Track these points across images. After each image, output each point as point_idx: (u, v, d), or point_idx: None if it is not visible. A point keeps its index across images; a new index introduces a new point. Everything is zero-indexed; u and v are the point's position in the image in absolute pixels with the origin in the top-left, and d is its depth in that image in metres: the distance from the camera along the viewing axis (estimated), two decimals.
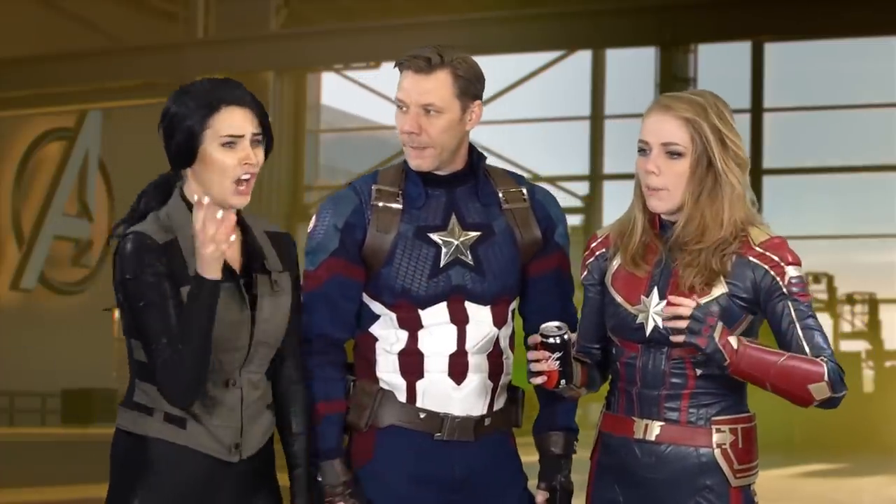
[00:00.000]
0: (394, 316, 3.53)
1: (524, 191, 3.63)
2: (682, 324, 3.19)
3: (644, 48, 23.01)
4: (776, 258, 3.30)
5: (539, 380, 3.32)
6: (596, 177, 25.68)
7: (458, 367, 3.52)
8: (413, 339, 3.52)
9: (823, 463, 18.63)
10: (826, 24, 20.39)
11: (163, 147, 3.34)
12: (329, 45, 22.81)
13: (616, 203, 24.82)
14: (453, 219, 3.55)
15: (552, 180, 24.94)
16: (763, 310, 3.32)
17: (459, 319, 3.52)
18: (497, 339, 3.56)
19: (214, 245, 3.12)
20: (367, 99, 30.47)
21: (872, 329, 27.64)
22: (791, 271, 3.30)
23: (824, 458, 19.17)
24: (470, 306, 3.52)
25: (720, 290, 3.31)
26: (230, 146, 3.27)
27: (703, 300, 3.29)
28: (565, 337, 3.30)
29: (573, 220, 25.47)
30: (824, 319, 26.26)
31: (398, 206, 3.53)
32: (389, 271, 3.51)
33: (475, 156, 3.59)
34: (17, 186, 27.76)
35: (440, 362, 3.52)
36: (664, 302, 3.29)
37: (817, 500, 13.81)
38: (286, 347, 3.41)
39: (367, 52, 22.75)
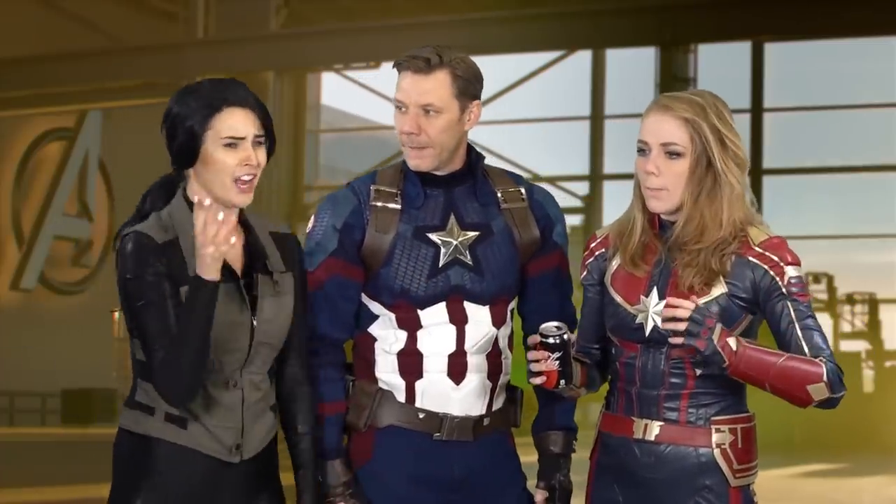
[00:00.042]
0: (393, 316, 3.53)
1: (522, 190, 3.63)
2: (681, 326, 3.19)
3: (644, 48, 23.00)
4: (775, 258, 3.31)
5: (538, 380, 3.32)
6: (596, 177, 25.67)
7: (457, 367, 3.52)
8: (412, 339, 3.52)
9: (823, 463, 18.62)
10: (826, 24, 20.39)
11: (163, 147, 3.34)
12: (329, 45, 22.81)
13: (616, 203, 24.82)
14: (452, 219, 3.55)
15: (552, 180, 24.93)
16: (762, 310, 3.32)
17: (458, 319, 3.52)
18: (496, 338, 3.56)
19: (214, 246, 3.12)
20: (367, 99, 30.44)
21: (872, 329, 27.62)
22: (790, 271, 3.30)
23: (824, 458, 19.16)
24: (469, 306, 3.53)
25: (719, 289, 3.31)
26: (231, 147, 3.27)
27: (703, 300, 3.29)
28: (565, 337, 3.30)
29: (573, 220, 25.47)
30: (824, 319, 26.30)
31: (397, 206, 3.53)
32: (388, 271, 3.51)
33: (473, 156, 3.60)
34: (17, 186, 27.76)
35: (439, 362, 3.52)
36: (663, 302, 3.29)
37: (817, 500, 13.80)
38: (290, 347, 3.40)
39: (367, 52, 22.74)
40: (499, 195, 3.60)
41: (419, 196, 3.54)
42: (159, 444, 3.26)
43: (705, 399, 3.34)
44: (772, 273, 3.30)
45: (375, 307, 3.55)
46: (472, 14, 21.45)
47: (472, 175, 3.59)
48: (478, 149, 3.63)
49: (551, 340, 3.30)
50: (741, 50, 23.72)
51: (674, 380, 3.34)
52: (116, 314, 24.66)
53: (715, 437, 3.34)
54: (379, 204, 3.53)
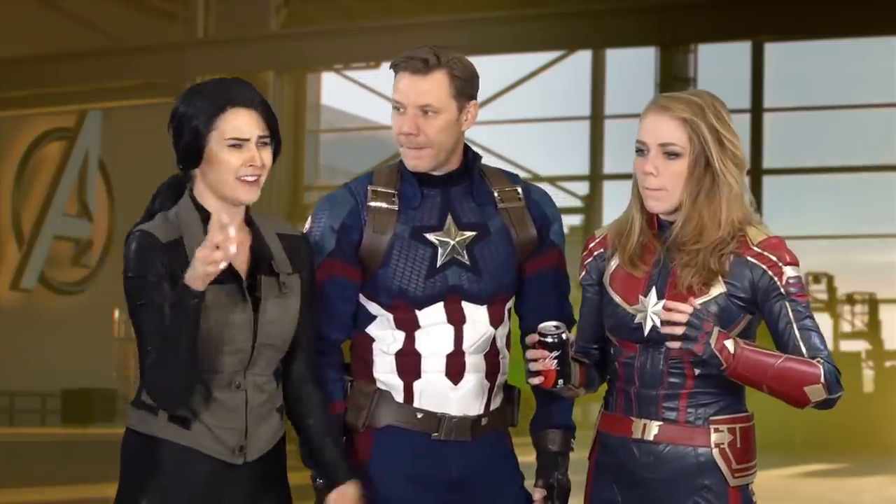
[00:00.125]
0: (391, 316, 3.53)
1: (519, 190, 3.63)
2: (678, 330, 3.18)
3: (644, 48, 22.98)
4: (774, 258, 3.31)
5: (537, 380, 3.32)
6: (596, 177, 25.66)
7: (455, 367, 3.52)
8: (410, 339, 3.52)
9: (823, 463, 18.62)
10: (826, 24, 20.38)
11: (164, 147, 3.34)
12: (329, 45, 22.81)
13: (616, 203, 24.79)
14: (449, 219, 3.55)
15: (552, 180, 24.93)
16: (760, 310, 3.32)
17: (456, 319, 3.52)
18: (494, 338, 3.56)
19: (214, 256, 3.07)
20: (367, 99, 30.46)
21: (872, 329, 27.61)
22: (789, 271, 3.30)
23: (824, 458, 19.15)
24: (467, 306, 3.53)
25: (718, 289, 3.31)
26: (236, 148, 3.26)
27: (702, 300, 3.29)
28: (563, 336, 3.30)
29: (573, 220, 25.48)
30: (824, 319, 26.30)
31: (394, 206, 3.53)
32: (386, 272, 3.51)
33: (470, 155, 3.60)
34: (17, 186, 27.77)
35: (437, 362, 3.52)
36: (662, 302, 3.29)
37: (817, 500, 13.80)
38: (297, 348, 3.39)
39: (367, 52, 22.74)
40: (495, 195, 3.60)
41: (416, 196, 3.54)
42: (164, 445, 3.26)
43: (704, 399, 3.34)
44: (770, 273, 3.30)
45: (373, 308, 3.55)
46: (472, 14, 21.45)
47: (469, 175, 3.59)
48: (477, 148, 3.63)
49: (550, 340, 3.30)
50: (741, 50, 23.71)
51: (672, 379, 3.34)
52: (116, 313, 24.70)
53: (714, 437, 3.34)
54: (376, 205, 3.53)
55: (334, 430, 3.46)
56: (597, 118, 25.76)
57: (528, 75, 25.54)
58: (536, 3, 21.54)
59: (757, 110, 23.65)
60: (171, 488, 3.25)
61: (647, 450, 3.35)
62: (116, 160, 27.49)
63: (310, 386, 3.42)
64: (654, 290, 3.35)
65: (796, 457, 19.02)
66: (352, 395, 3.55)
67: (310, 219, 3.57)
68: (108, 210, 28.12)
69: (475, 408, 3.55)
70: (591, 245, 3.50)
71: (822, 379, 3.24)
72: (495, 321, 3.56)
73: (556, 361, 3.30)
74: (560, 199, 24.99)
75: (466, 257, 3.54)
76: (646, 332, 3.34)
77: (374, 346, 3.55)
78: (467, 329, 3.52)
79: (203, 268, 3.06)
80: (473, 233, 3.56)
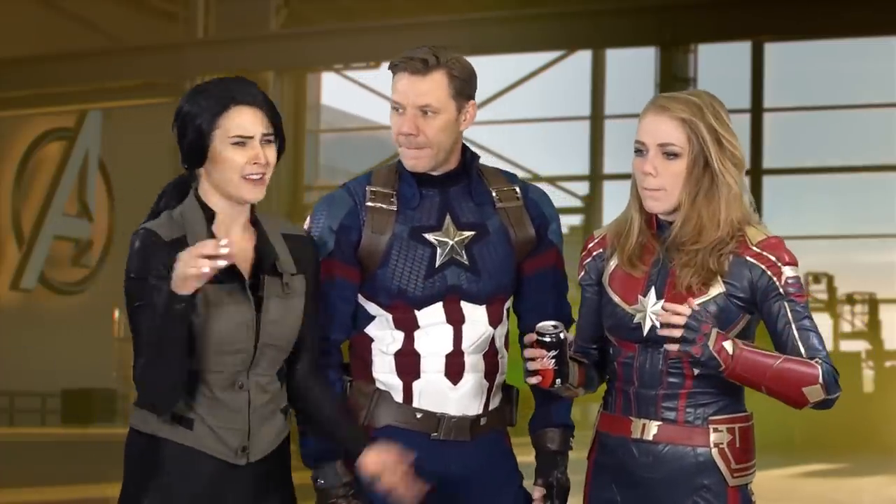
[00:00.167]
0: (390, 317, 3.53)
1: (517, 189, 3.64)
2: (677, 333, 3.19)
3: (644, 48, 22.97)
4: (773, 258, 3.31)
5: (534, 379, 3.32)
6: (596, 177, 25.65)
7: (454, 367, 3.52)
8: (409, 339, 3.52)
9: (823, 463, 18.62)
10: (826, 24, 20.37)
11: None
12: (329, 45, 22.80)
13: (616, 203, 24.78)
14: (448, 219, 3.55)
15: (552, 180, 24.92)
16: (759, 310, 3.32)
17: (455, 319, 3.52)
18: (493, 338, 3.56)
19: (197, 262, 3.07)
20: (367, 99, 30.44)
21: (872, 329, 27.61)
22: (788, 271, 3.30)
23: (824, 458, 19.15)
24: (466, 306, 3.53)
25: (717, 289, 3.31)
26: (240, 146, 3.26)
27: (701, 300, 3.29)
28: (561, 336, 3.30)
29: (573, 220, 25.48)
30: (824, 319, 26.29)
31: (392, 207, 3.53)
32: (385, 272, 3.51)
33: (468, 155, 3.60)
34: (17, 186, 27.75)
35: (437, 362, 3.52)
36: (661, 302, 3.30)
37: (817, 500, 13.80)
38: (302, 348, 3.38)
39: (367, 52, 22.73)
40: (493, 194, 3.61)
41: (415, 196, 3.55)
42: (166, 445, 3.26)
43: (703, 399, 3.35)
44: (769, 273, 3.30)
45: (372, 308, 3.55)
46: (472, 14, 21.44)
47: (467, 175, 3.59)
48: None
49: (547, 339, 3.30)
50: (741, 50, 23.70)
51: (672, 379, 3.34)
52: (116, 313, 24.70)
53: (713, 437, 3.34)
54: (375, 205, 3.53)
55: (345, 412, 3.46)
56: (597, 118, 25.75)
57: (528, 75, 25.53)
58: (536, 3, 21.53)
59: (757, 110, 23.64)
60: (174, 488, 3.25)
61: (646, 450, 3.36)
62: (116, 160, 27.48)
63: (315, 386, 3.42)
64: (653, 290, 3.35)
65: (796, 457, 19.02)
66: (351, 396, 3.55)
67: (308, 219, 3.57)
68: (108, 210, 28.10)
69: (474, 407, 3.55)
70: (590, 245, 3.50)
71: (821, 380, 3.24)
72: (494, 321, 3.56)
73: (553, 361, 3.30)
74: (560, 199, 25.04)
75: (465, 257, 3.54)
76: (645, 332, 3.34)
77: (373, 346, 3.55)
78: (466, 329, 3.53)
79: (184, 269, 3.06)
80: (472, 233, 3.56)
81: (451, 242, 3.54)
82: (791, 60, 25.35)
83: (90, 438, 20.17)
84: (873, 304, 27.80)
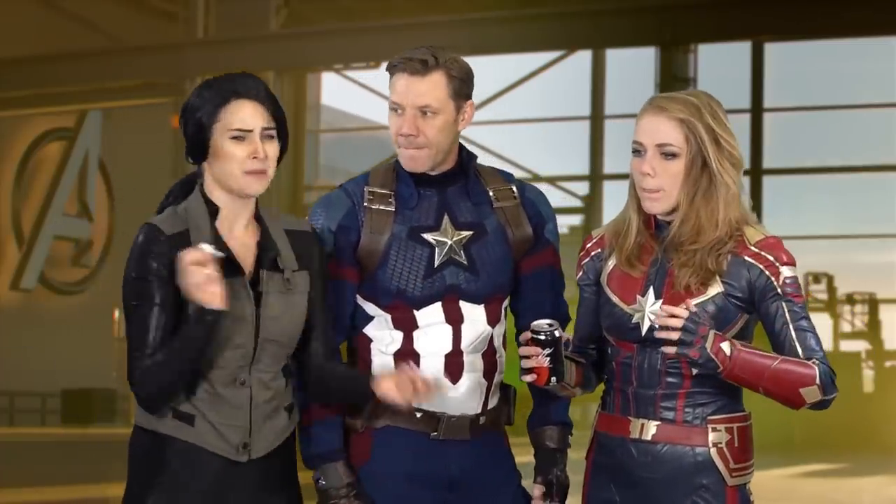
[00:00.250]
0: (388, 317, 3.53)
1: (514, 188, 3.64)
2: (674, 335, 3.19)
3: (644, 48, 22.97)
4: (771, 258, 3.31)
5: (529, 377, 3.32)
6: (596, 177, 25.65)
7: (453, 367, 3.52)
8: (408, 339, 3.52)
9: (823, 463, 18.63)
10: (826, 24, 20.37)
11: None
12: (329, 45, 22.80)
13: (616, 203, 24.72)
14: (446, 219, 3.56)
15: (552, 180, 24.93)
16: (757, 309, 3.33)
17: (454, 319, 3.52)
18: (491, 337, 3.57)
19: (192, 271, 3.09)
20: (367, 99, 30.47)
21: (872, 329, 27.63)
22: (786, 271, 3.30)
23: (824, 458, 19.16)
24: (464, 306, 3.53)
25: (716, 289, 3.31)
26: (239, 140, 3.26)
27: (699, 299, 3.29)
28: (556, 334, 3.30)
29: (573, 220, 25.49)
30: (824, 319, 26.30)
31: (391, 207, 3.54)
32: (384, 273, 3.51)
33: (465, 155, 3.60)
34: (17, 186, 27.76)
35: (436, 362, 3.52)
36: (660, 302, 3.30)
37: (817, 500, 13.81)
38: (311, 338, 3.37)
39: (367, 52, 22.73)
40: (491, 194, 3.61)
41: (413, 197, 3.55)
42: (170, 442, 3.25)
43: (702, 398, 3.35)
44: (767, 273, 3.30)
45: (371, 308, 3.55)
46: (472, 14, 21.44)
47: (465, 174, 3.59)
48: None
49: (542, 337, 3.30)
50: (741, 50, 23.71)
51: (670, 379, 3.34)
52: (116, 313, 24.70)
53: (711, 437, 3.34)
54: (373, 205, 3.54)
55: (365, 373, 3.46)
56: (597, 118, 25.76)
57: (528, 75, 25.54)
58: (536, 3, 21.53)
59: (757, 110, 23.64)
60: (178, 485, 3.25)
61: (644, 450, 3.36)
62: (116, 160, 27.48)
63: (335, 368, 3.40)
64: (651, 290, 3.35)
65: (796, 457, 19.03)
66: None
67: (306, 220, 3.57)
68: (108, 210, 28.11)
69: (473, 407, 3.55)
70: (588, 245, 3.51)
71: (818, 380, 3.24)
72: (492, 320, 3.57)
73: (548, 359, 3.30)
74: (560, 199, 25.05)
75: (464, 257, 3.54)
76: (643, 332, 3.34)
77: (373, 346, 3.56)
78: (465, 328, 3.53)
79: (189, 280, 3.08)
80: (470, 232, 3.56)
81: (449, 242, 3.55)
82: (791, 60, 25.39)
83: (90, 438, 20.15)
84: (873, 304, 27.83)
